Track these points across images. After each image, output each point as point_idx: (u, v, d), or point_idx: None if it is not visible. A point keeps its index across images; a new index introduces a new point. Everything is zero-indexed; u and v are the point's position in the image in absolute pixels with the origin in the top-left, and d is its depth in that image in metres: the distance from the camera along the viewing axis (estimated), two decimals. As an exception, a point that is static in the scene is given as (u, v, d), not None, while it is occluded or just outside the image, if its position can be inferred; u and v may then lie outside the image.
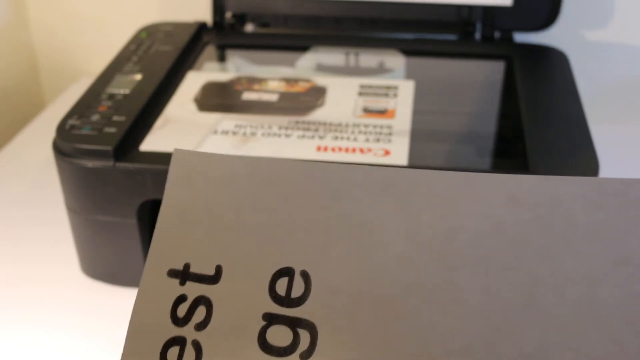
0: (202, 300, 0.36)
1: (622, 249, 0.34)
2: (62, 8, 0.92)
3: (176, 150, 0.39)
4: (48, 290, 0.60)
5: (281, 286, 0.35)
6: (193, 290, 0.36)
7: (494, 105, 0.65)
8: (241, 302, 0.35)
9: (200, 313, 0.36)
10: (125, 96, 0.59)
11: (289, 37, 0.76)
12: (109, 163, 0.53)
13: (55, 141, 0.55)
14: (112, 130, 0.55)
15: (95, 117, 0.56)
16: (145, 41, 0.70)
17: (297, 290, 0.35)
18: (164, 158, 0.53)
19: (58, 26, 0.94)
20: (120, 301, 0.58)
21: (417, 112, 0.59)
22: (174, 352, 0.35)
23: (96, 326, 0.56)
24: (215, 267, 0.36)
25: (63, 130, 0.55)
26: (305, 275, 0.35)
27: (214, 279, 0.36)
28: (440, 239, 0.35)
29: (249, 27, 0.77)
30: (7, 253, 0.64)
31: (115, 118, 0.56)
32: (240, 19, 0.77)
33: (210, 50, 0.73)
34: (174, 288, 0.36)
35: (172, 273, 0.36)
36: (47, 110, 0.89)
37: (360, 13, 0.75)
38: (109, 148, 0.53)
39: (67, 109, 0.58)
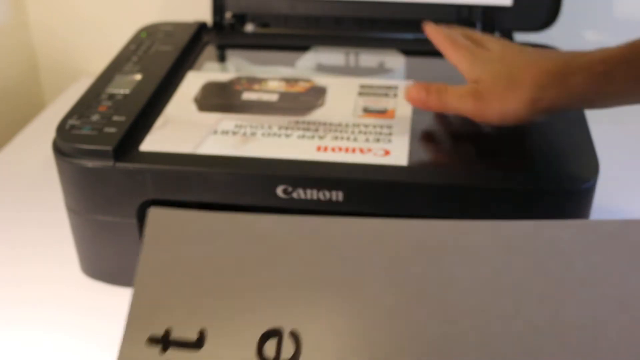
0: None
1: (623, 291, 0.33)
2: (62, 8, 0.93)
3: (152, 209, 0.37)
4: (48, 290, 0.60)
5: (270, 348, 0.34)
6: (175, 358, 0.34)
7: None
8: None
9: None
10: (125, 96, 0.59)
11: (289, 37, 0.76)
12: (109, 163, 0.53)
13: (55, 141, 0.55)
14: (112, 130, 0.55)
15: (95, 117, 0.56)
16: (145, 41, 0.70)
17: (287, 351, 0.33)
18: (164, 158, 0.53)
19: (58, 26, 0.94)
20: (120, 301, 0.58)
21: (417, 112, 0.59)
22: None
23: (96, 326, 0.56)
24: (199, 332, 0.34)
25: (63, 130, 0.55)
26: (295, 335, 0.34)
27: (198, 344, 0.34)
28: (434, 291, 0.34)
29: (249, 27, 0.77)
30: (7, 253, 0.64)
31: (115, 118, 0.56)
32: (240, 19, 0.77)
33: (210, 50, 0.73)
34: (155, 357, 0.34)
35: (152, 340, 0.34)
36: (47, 110, 0.89)
37: (360, 13, 0.75)
38: (108, 148, 0.53)
39: (67, 109, 0.58)
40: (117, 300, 0.58)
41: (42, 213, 0.69)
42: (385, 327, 0.34)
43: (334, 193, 0.51)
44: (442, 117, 0.59)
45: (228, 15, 0.77)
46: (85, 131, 0.55)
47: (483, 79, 0.53)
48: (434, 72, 0.70)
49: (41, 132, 0.83)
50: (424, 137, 0.57)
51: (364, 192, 0.51)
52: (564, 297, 0.33)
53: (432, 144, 0.58)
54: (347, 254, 0.35)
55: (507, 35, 0.74)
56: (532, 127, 0.56)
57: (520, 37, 0.75)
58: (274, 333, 0.34)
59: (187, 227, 0.37)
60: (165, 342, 0.34)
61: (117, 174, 0.53)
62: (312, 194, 0.52)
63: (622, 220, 0.35)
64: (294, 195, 0.52)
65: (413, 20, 0.75)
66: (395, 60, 0.71)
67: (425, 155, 0.55)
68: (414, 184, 0.51)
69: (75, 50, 0.96)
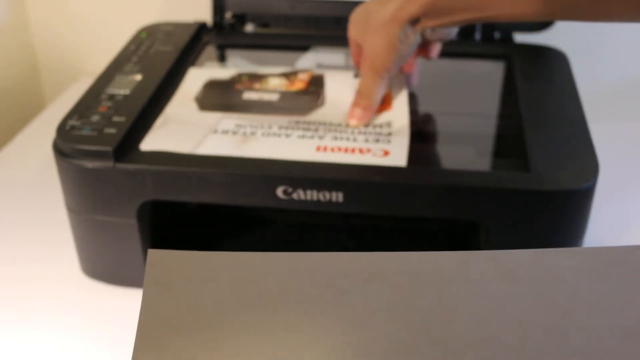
0: None
1: (629, 320, 0.33)
2: (62, 8, 0.93)
3: (151, 251, 0.37)
4: (48, 290, 0.60)
5: None
6: None
7: (494, 105, 0.65)
8: None
9: None
10: (125, 96, 0.59)
11: (289, 37, 0.76)
12: (109, 163, 0.53)
13: (55, 142, 0.55)
14: (112, 130, 0.55)
15: (95, 118, 0.56)
16: (145, 41, 0.70)
17: None
18: (164, 158, 0.53)
19: (58, 26, 0.94)
20: (120, 301, 0.58)
21: (416, 112, 0.59)
22: None
23: (96, 326, 0.56)
24: None
25: (63, 131, 0.55)
26: None
27: None
28: (439, 324, 0.34)
29: (249, 27, 0.77)
30: (7, 253, 0.64)
31: (116, 118, 0.56)
32: (240, 19, 0.77)
33: (210, 51, 0.73)
34: None
35: None
36: (47, 110, 0.89)
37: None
38: (108, 148, 0.53)
39: (67, 109, 0.58)
40: (117, 300, 0.58)
41: (42, 213, 0.69)
42: None
43: (334, 194, 0.51)
44: (441, 117, 0.59)
45: (228, 15, 0.77)
46: (86, 132, 0.55)
47: (358, 37, 0.60)
48: (433, 71, 0.70)
49: (41, 132, 0.83)
50: (423, 138, 0.57)
51: (364, 193, 0.51)
52: (570, 327, 0.33)
53: (431, 145, 0.58)
54: (350, 289, 0.35)
55: (507, 35, 0.74)
56: (532, 127, 0.56)
57: (520, 37, 0.75)
58: None
59: (187, 267, 0.36)
60: None
61: (117, 175, 0.53)
62: (312, 195, 0.52)
63: (626, 246, 0.34)
64: (294, 196, 0.52)
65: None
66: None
67: (424, 155, 0.55)
68: (413, 184, 0.51)
69: (75, 50, 0.96)
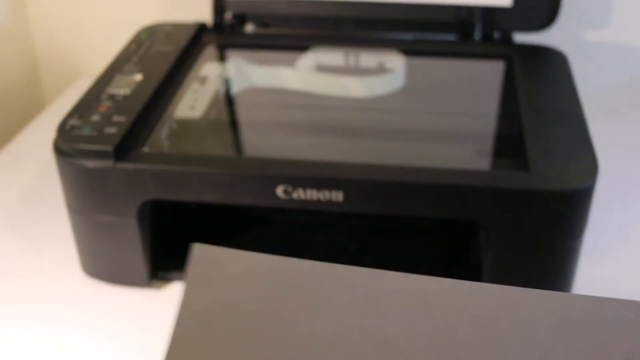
0: None
1: None
2: (62, 8, 0.93)
3: (196, 245, 0.36)
4: (48, 290, 0.60)
5: None
6: None
7: (494, 105, 0.65)
8: None
9: None
10: (125, 96, 0.59)
11: (289, 37, 0.76)
12: (109, 163, 0.53)
13: (55, 141, 0.55)
14: (112, 130, 0.55)
15: (95, 118, 0.56)
16: (145, 41, 0.70)
17: None
18: (164, 158, 0.53)
19: (58, 27, 0.94)
20: (121, 301, 0.58)
21: (416, 112, 0.59)
22: None
23: (96, 325, 0.56)
24: None
25: (63, 131, 0.55)
26: None
27: None
28: None
29: (249, 27, 0.77)
30: (8, 253, 0.64)
31: (116, 118, 0.56)
32: (240, 19, 0.77)
33: (210, 51, 0.73)
34: None
35: None
36: (47, 110, 0.89)
37: (360, 13, 0.75)
38: (109, 148, 0.53)
39: (67, 109, 0.58)
40: (118, 299, 0.58)
41: (43, 213, 0.69)
42: None
43: (333, 193, 0.51)
44: (441, 117, 0.59)
45: (228, 15, 0.77)
46: (86, 131, 0.55)
47: None
48: (434, 72, 0.70)
49: (41, 132, 0.83)
50: (423, 137, 0.57)
51: (364, 192, 0.51)
52: None
53: (431, 144, 0.58)
54: (391, 313, 0.33)
55: (507, 35, 0.74)
56: (532, 127, 0.56)
57: (520, 37, 0.75)
58: None
59: (230, 265, 0.35)
60: None
61: (117, 174, 0.53)
62: (312, 194, 0.52)
63: None
64: (294, 195, 0.52)
65: (413, 20, 0.75)
66: (395, 60, 0.71)
67: (424, 155, 0.55)
68: (413, 184, 0.51)
69: (75, 50, 0.96)
